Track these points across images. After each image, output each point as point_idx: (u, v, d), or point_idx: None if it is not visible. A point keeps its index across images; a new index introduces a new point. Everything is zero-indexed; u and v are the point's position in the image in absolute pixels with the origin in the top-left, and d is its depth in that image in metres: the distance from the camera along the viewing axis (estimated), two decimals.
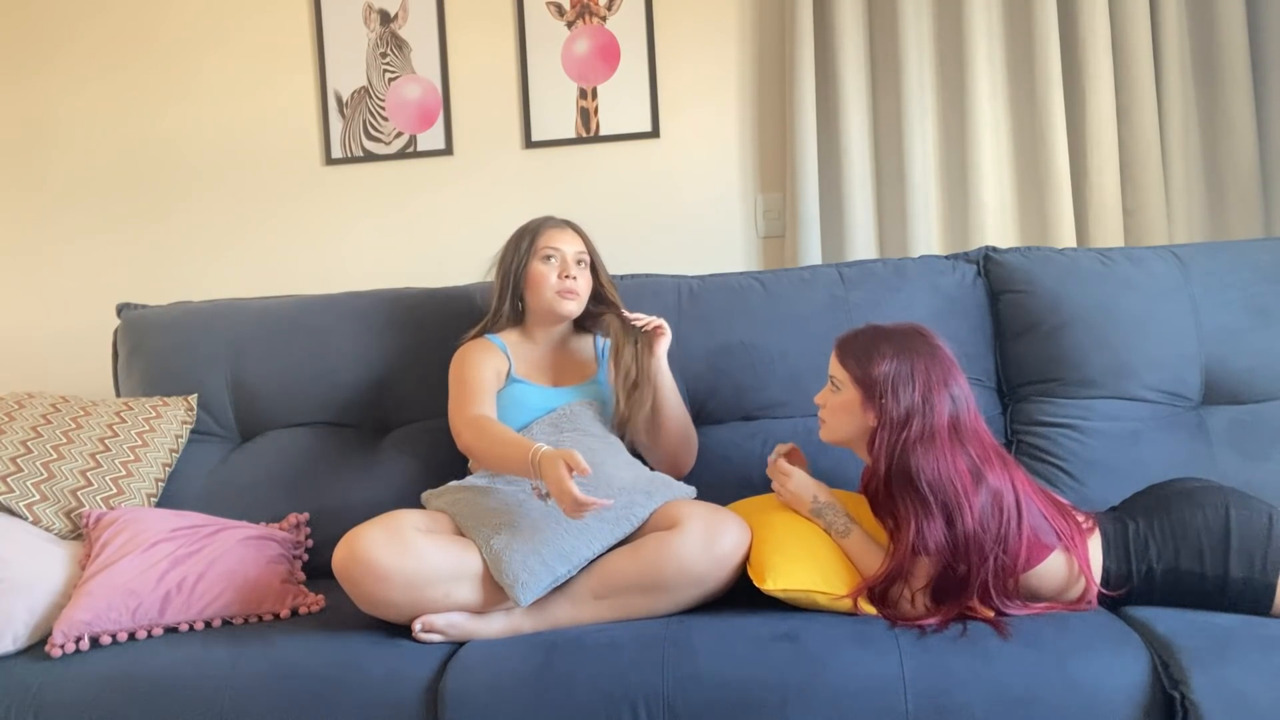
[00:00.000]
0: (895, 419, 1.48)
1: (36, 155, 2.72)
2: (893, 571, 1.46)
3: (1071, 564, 1.48)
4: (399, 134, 2.61)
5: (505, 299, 1.91)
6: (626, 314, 1.86)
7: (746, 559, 1.55)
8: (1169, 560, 1.47)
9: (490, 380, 1.83)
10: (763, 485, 1.77)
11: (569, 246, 1.89)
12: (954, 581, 1.44)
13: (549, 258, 1.88)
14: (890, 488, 1.48)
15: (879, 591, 1.48)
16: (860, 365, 1.53)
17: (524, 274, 1.89)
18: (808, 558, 1.53)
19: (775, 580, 1.49)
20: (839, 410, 1.58)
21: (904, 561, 1.45)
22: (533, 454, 1.53)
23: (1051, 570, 1.48)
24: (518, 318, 1.94)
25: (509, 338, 1.93)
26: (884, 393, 1.49)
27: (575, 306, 1.89)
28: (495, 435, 1.67)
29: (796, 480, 1.65)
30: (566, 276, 1.86)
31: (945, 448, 1.46)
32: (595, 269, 1.93)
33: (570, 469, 1.47)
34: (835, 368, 1.58)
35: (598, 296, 1.93)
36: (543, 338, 1.94)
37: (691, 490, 1.73)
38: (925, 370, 1.50)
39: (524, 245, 1.90)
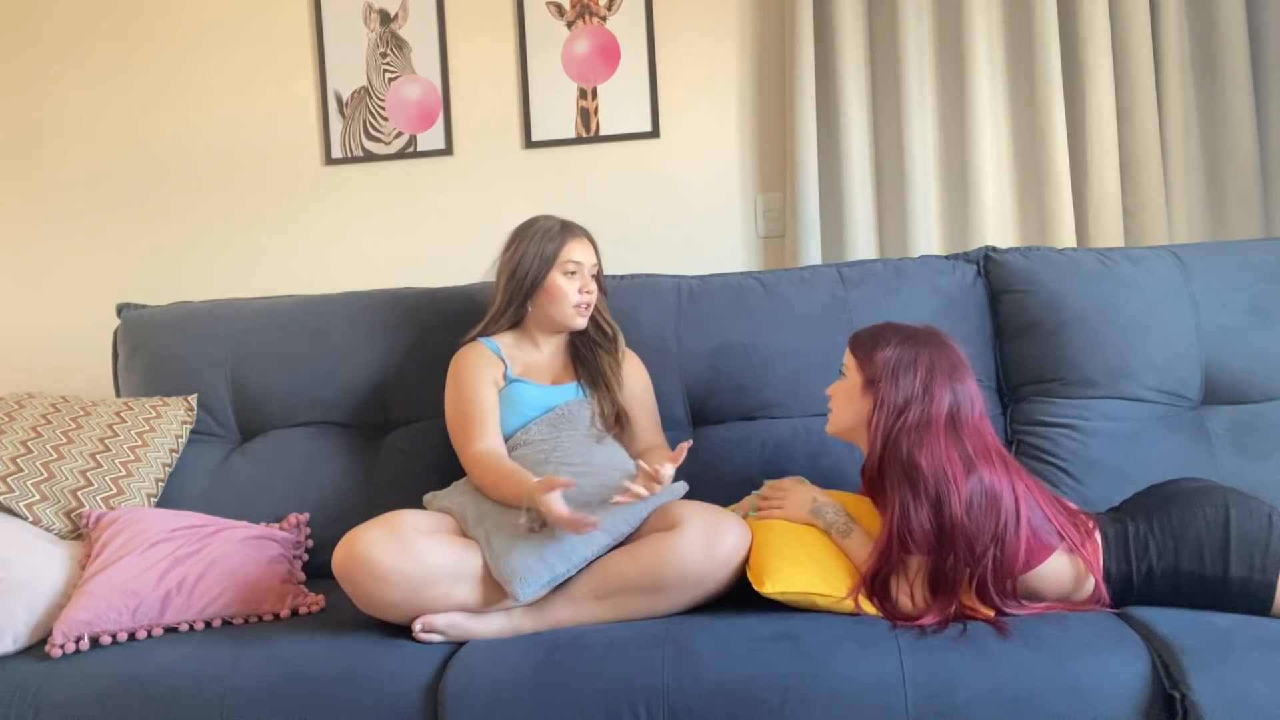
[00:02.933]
0: (893, 404, 1.50)
1: (37, 157, 2.72)
2: (883, 555, 1.47)
3: (1078, 566, 1.48)
4: (399, 134, 2.61)
5: (512, 303, 1.89)
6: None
7: (747, 560, 1.55)
8: (1169, 560, 1.47)
9: (488, 397, 1.82)
10: None
11: (588, 260, 1.88)
12: (948, 572, 1.44)
13: (572, 273, 1.86)
14: (882, 470, 1.50)
15: (877, 584, 1.48)
16: (866, 351, 1.57)
17: (542, 283, 1.86)
18: (806, 560, 1.53)
19: (774, 583, 1.49)
20: (841, 395, 1.60)
21: (892, 543, 1.46)
22: (528, 492, 1.57)
23: (1056, 572, 1.48)
24: (518, 320, 1.94)
25: (504, 340, 1.92)
26: (883, 377, 1.52)
27: (586, 320, 1.90)
28: (494, 473, 1.68)
29: (792, 496, 1.65)
30: (586, 291, 1.86)
31: (939, 436, 1.47)
32: (598, 277, 1.93)
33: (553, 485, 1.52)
34: (846, 356, 1.62)
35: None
36: (543, 339, 1.94)
37: (684, 487, 1.74)
38: (930, 362, 1.52)
39: (548, 252, 1.85)
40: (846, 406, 1.59)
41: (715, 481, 1.86)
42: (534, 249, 1.86)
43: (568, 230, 1.89)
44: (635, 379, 1.93)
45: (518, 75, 2.58)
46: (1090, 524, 1.52)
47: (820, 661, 1.36)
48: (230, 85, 2.66)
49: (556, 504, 1.51)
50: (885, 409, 1.51)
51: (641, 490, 1.55)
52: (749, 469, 1.91)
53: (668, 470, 1.56)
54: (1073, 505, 1.59)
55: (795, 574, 1.50)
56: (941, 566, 1.44)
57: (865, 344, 1.58)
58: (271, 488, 2.03)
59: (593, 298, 1.88)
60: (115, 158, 2.69)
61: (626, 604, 1.54)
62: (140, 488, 1.92)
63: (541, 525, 1.56)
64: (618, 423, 1.85)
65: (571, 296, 1.85)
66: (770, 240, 2.55)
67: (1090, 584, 1.48)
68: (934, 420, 1.49)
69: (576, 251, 1.87)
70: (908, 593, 1.47)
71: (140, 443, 1.97)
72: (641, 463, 1.59)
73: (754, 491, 1.72)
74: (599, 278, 1.93)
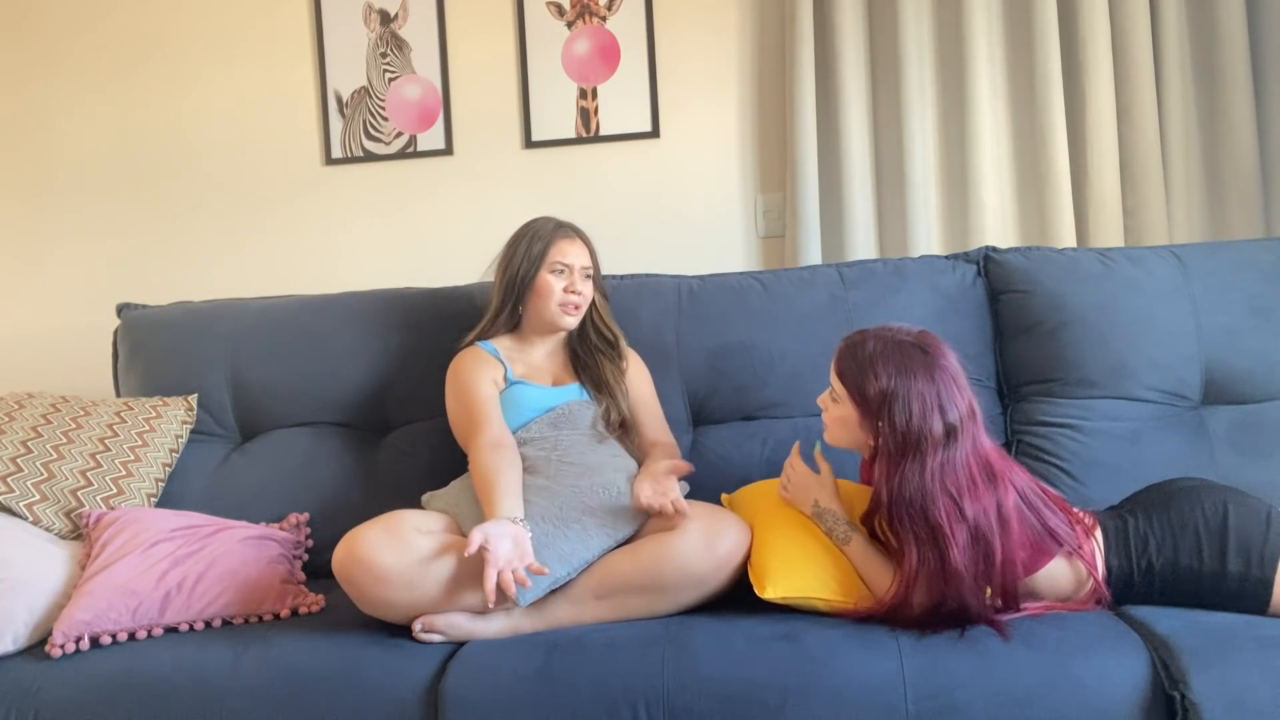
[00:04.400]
0: (891, 448, 1.46)
1: (37, 156, 2.72)
2: (897, 600, 1.45)
3: (1078, 568, 1.48)
4: (399, 134, 2.61)
5: (506, 304, 1.90)
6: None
7: (747, 559, 1.56)
8: (1168, 557, 1.47)
9: (490, 396, 1.81)
10: None
11: (578, 260, 1.87)
12: (949, 609, 1.43)
13: (559, 271, 1.86)
14: (890, 518, 1.47)
15: (879, 616, 1.47)
16: (856, 384, 1.50)
17: (531, 282, 1.86)
18: (808, 563, 1.52)
19: (775, 588, 1.49)
20: (838, 423, 1.56)
21: (910, 592, 1.44)
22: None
23: (1055, 575, 1.48)
24: (514, 322, 1.93)
25: (503, 342, 1.92)
26: (880, 416, 1.47)
27: (576, 320, 1.89)
28: (482, 477, 1.65)
29: (798, 478, 1.63)
30: (572, 291, 1.86)
31: (934, 480, 1.43)
32: (595, 281, 1.92)
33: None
34: (834, 378, 1.56)
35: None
36: (539, 341, 1.94)
37: (684, 488, 1.74)
38: (921, 395, 1.45)
39: (535, 252, 1.86)
40: (845, 433, 1.56)
41: (715, 481, 1.86)
42: (524, 248, 1.87)
43: (559, 230, 1.89)
44: (637, 380, 1.93)
45: (518, 75, 2.58)
46: (1090, 523, 1.52)
47: (820, 662, 1.36)
48: (230, 85, 2.66)
49: (488, 571, 1.45)
50: (885, 453, 1.47)
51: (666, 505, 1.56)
52: (749, 469, 1.91)
53: (677, 498, 1.57)
54: (1071, 507, 1.58)
55: (797, 578, 1.50)
56: (943, 605, 1.43)
57: (855, 372, 1.51)
58: (271, 488, 2.03)
59: (580, 298, 1.87)
60: (115, 158, 2.69)
61: (626, 604, 1.54)
62: (140, 488, 1.92)
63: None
64: (622, 427, 1.85)
65: (558, 295, 1.85)
66: (770, 240, 2.55)
67: (1090, 584, 1.48)
68: (928, 462, 1.44)
69: (566, 251, 1.86)
70: (910, 612, 1.46)
71: (140, 443, 1.97)
72: (657, 503, 1.57)
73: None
74: (597, 281, 1.93)
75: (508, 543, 1.48)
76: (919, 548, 1.43)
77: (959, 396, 1.48)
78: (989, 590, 1.43)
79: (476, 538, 1.46)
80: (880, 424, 1.47)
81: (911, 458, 1.45)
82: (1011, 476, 1.49)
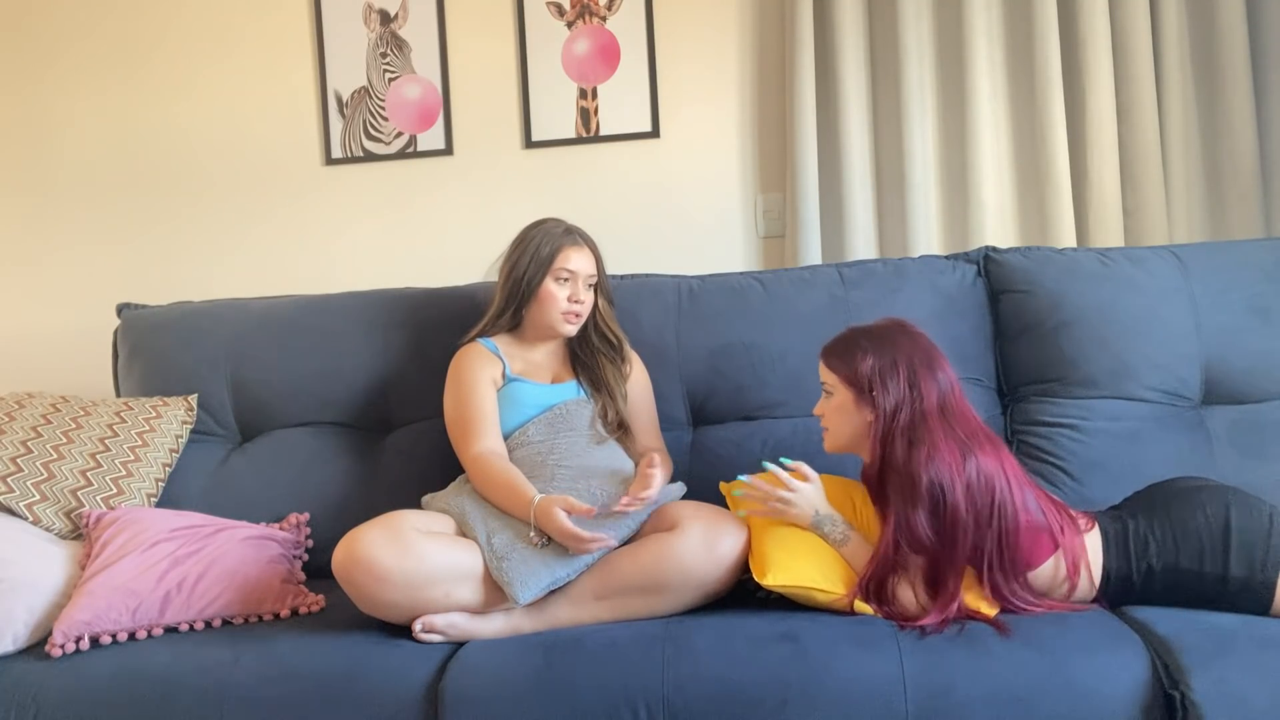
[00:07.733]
0: (886, 410, 1.51)
1: (37, 156, 2.72)
2: (882, 559, 1.47)
3: (1059, 559, 1.48)
4: (399, 134, 2.61)
5: (509, 306, 1.89)
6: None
7: (746, 559, 1.56)
8: (1169, 559, 1.47)
9: (488, 397, 1.82)
10: None
11: (583, 268, 1.86)
12: (948, 566, 1.44)
13: (564, 279, 1.85)
14: (883, 476, 1.50)
15: (874, 587, 1.48)
16: (846, 365, 1.56)
17: (535, 289, 1.85)
18: (809, 554, 1.53)
19: (776, 576, 1.49)
20: (836, 413, 1.59)
21: (890, 550, 1.45)
22: (532, 507, 1.59)
23: (1053, 565, 1.49)
24: (515, 323, 1.93)
25: (503, 340, 1.92)
26: (874, 386, 1.52)
27: (575, 328, 1.88)
28: (495, 479, 1.69)
29: (800, 501, 1.60)
30: (575, 300, 1.85)
31: (936, 430, 1.48)
32: (599, 287, 1.91)
33: (569, 510, 1.55)
34: (824, 374, 1.61)
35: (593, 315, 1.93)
36: (539, 342, 1.93)
37: (682, 488, 1.75)
38: (908, 358, 1.53)
39: (541, 257, 1.84)
40: (844, 422, 1.58)
41: (715, 481, 1.85)
42: (530, 252, 1.86)
43: (567, 236, 1.88)
44: (636, 383, 1.93)
45: (518, 75, 2.58)
46: (1087, 523, 1.52)
47: (820, 662, 1.36)
48: (230, 85, 2.66)
49: (562, 520, 1.54)
50: (883, 417, 1.51)
51: (638, 502, 1.60)
52: (749, 469, 1.90)
53: (651, 492, 1.60)
54: (1054, 497, 1.59)
55: (797, 568, 1.50)
56: (942, 561, 1.44)
57: (842, 357, 1.57)
58: (271, 488, 2.03)
59: (582, 307, 1.86)
60: (116, 158, 2.69)
61: (626, 604, 1.54)
62: (140, 488, 1.92)
63: (548, 540, 1.58)
64: (621, 428, 1.85)
65: (560, 304, 1.84)
66: (770, 240, 2.55)
67: (1066, 585, 1.49)
68: (928, 415, 1.50)
69: (572, 259, 1.85)
70: (909, 594, 1.47)
71: (140, 443, 1.97)
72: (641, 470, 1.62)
73: (762, 469, 1.63)
74: (603, 287, 1.92)
75: (558, 516, 1.56)
76: (902, 498, 1.46)
77: (943, 361, 1.55)
78: (994, 565, 1.45)
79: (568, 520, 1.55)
80: (875, 393, 1.52)
81: (907, 414, 1.50)
82: (1004, 449, 1.53)
